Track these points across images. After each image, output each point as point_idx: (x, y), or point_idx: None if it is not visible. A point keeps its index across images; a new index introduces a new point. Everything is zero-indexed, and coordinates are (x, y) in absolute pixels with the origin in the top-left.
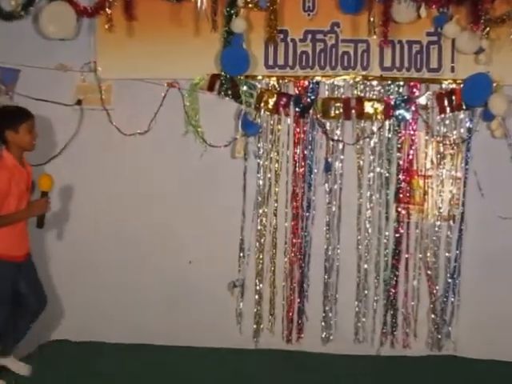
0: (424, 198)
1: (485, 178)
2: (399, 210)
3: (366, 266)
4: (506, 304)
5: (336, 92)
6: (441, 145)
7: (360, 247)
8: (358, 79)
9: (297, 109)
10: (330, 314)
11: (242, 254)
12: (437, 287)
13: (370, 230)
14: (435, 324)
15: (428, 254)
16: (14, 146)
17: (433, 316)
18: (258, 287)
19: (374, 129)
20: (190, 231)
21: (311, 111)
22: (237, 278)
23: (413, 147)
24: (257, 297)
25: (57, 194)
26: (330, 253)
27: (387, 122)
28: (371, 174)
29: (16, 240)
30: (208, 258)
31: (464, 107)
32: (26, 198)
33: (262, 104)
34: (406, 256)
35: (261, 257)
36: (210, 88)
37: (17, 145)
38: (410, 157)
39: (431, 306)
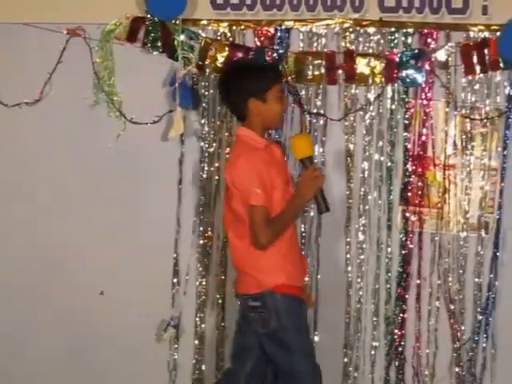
0: (444, 197)
1: None
2: (407, 215)
3: (359, 295)
4: None
5: (315, 44)
6: (468, 120)
7: (350, 269)
8: (347, 25)
9: None
10: None
11: (176, 280)
12: (462, 328)
13: (365, 245)
14: (460, 381)
15: (450, 279)
16: (256, 121)
17: (457, 369)
18: (198, 328)
19: (371, 97)
20: (100, 249)
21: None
22: (170, 317)
23: (427, 124)
24: (197, 342)
25: None
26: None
27: (390, 88)
28: (366, 164)
29: (296, 259)
30: (126, 287)
31: (502, 65)
32: (288, 192)
33: (208, 61)
34: (418, 282)
35: (204, 283)
36: (131, 38)
37: (261, 120)
38: (424, 138)
39: (454, 354)
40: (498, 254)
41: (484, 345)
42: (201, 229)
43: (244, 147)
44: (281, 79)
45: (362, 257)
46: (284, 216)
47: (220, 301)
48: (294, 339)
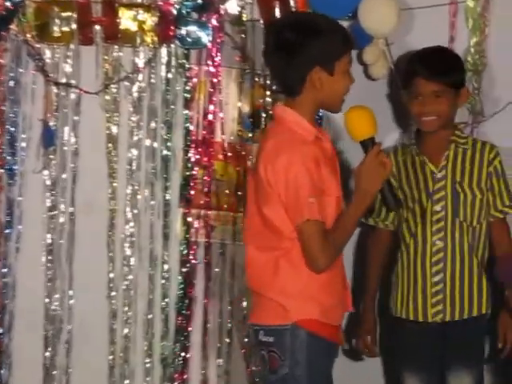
0: (238, 197)
1: None
2: (189, 220)
3: (126, 330)
4: None
5: None
6: (268, 93)
7: (114, 295)
8: None
9: None
10: None
11: None
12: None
13: (133, 260)
14: None
15: (245, 305)
16: (313, 99)
17: None
18: None
19: (140, 63)
20: None
21: (14, 27)
22: None
23: (215, 99)
24: None
25: None
26: (52, 307)
27: (165, 50)
28: (134, 151)
29: (338, 289)
30: None
31: None
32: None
33: None
34: (205, 309)
35: None
36: None
37: (320, 98)
38: (211, 117)
39: None
40: None
41: None
42: None
43: (290, 137)
44: (353, 47)
45: (131, 277)
46: (345, 225)
47: None
48: None
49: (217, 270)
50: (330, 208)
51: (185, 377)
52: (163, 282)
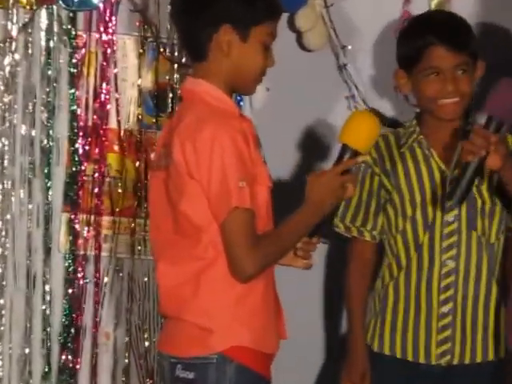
0: (139, 198)
1: None
2: (77, 228)
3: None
4: None
5: None
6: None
7: None
8: None
9: None
10: None
11: None
12: None
13: (6, 281)
14: None
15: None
16: (221, 69)
17: None
18: None
19: (14, 29)
20: None
21: None
22: None
23: (109, 75)
24: None
25: None
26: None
27: (45, 13)
28: (5, 141)
29: (271, 312)
30: None
31: None
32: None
33: None
34: (105, 341)
35: None
36: None
37: (228, 69)
38: (104, 98)
39: None
40: None
41: None
42: None
43: (210, 110)
44: (278, 18)
45: (1, 301)
46: (290, 230)
47: None
48: None
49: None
50: (261, 200)
51: None
52: (43, 307)
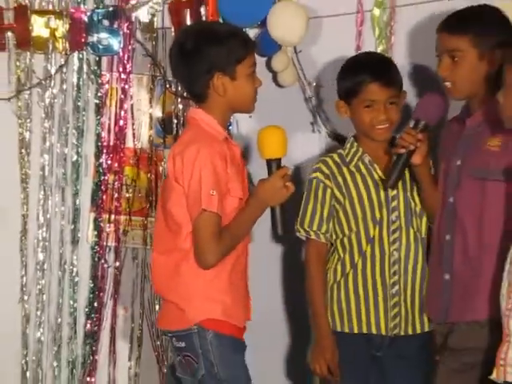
0: (149, 201)
1: None
2: (101, 225)
3: (38, 335)
4: None
5: None
6: (179, 100)
7: (28, 298)
8: None
9: None
10: None
11: None
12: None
13: (46, 265)
14: None
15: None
16: (220, 104)
17: None
18: None
19: (52, 69)
20: None
21: None
22: None
23: (126, 105)
24: None
25: None
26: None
27: (76, 57)
28: (46, 157)
29: (240, 293)
30: None
31: None
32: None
33: None
34: (123, 313)
35: None
36: None
37: (226, 102)
38: (122, 123)
39: None
40: None
41: None
42: None
43: (199, 134)
44: (254, 50)
45: (43, 281)
46: (239, 224)
47: None
48: None
49: (128, 274)
50: (231, 208)
51: (92, 379)
52: (75, 288)
